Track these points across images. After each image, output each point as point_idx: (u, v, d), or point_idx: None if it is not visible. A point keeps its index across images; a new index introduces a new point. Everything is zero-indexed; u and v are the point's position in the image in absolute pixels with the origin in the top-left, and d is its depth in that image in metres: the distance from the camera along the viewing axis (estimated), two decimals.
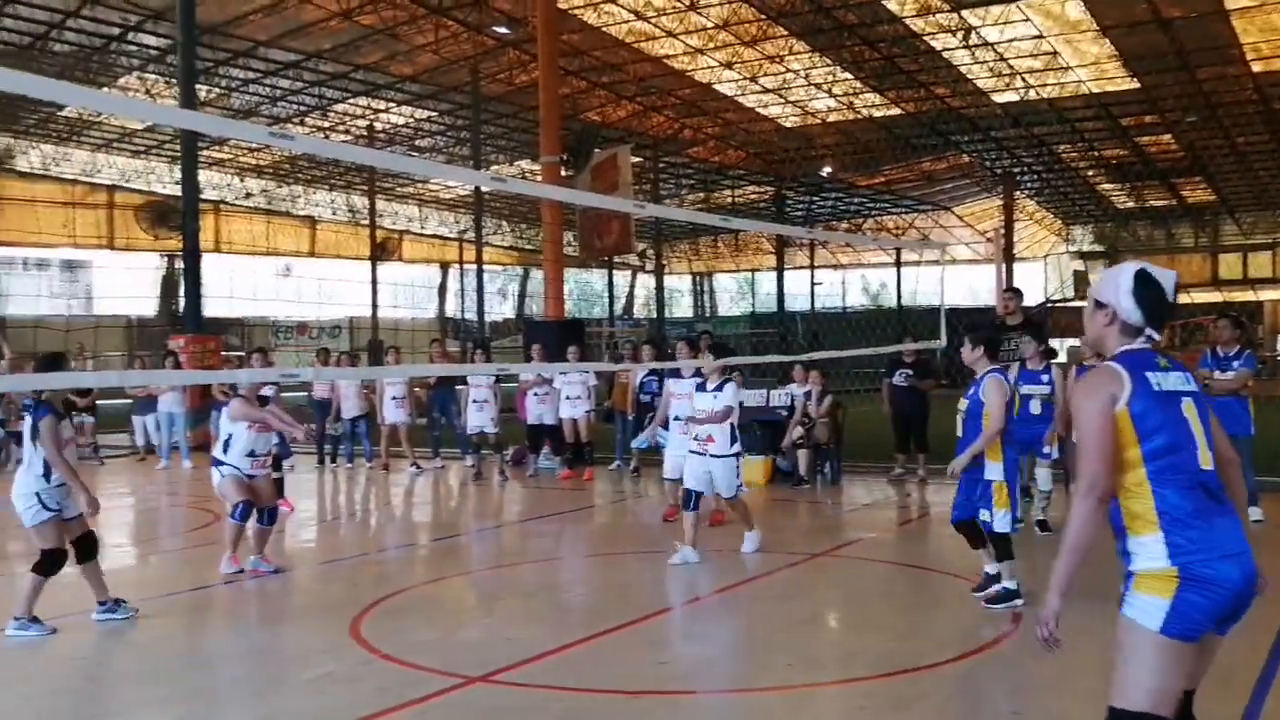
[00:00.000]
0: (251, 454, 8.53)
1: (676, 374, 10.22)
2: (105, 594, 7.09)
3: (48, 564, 6.79)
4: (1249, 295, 48.98)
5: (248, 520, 8.50)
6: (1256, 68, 30.04)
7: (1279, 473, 11.76)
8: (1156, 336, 3.33)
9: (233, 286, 35.31)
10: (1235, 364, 9.95)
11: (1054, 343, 13.91)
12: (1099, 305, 3.38)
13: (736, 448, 8.84)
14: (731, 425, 8.78)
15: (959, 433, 7.30)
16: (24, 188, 37.34)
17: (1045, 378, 9.52)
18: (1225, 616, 3.12)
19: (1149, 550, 3.15)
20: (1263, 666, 5.70)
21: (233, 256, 41.72)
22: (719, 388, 8.87)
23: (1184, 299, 48.20)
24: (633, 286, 60.44)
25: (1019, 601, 6.90)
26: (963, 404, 7.29)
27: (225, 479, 8.50)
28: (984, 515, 7.07)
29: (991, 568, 7.22)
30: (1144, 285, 3.30)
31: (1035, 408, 9.40)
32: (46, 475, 6.72)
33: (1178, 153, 40.48)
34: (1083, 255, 53.58)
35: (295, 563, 9.26)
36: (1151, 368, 3.25)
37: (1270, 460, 11.86)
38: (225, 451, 8.51)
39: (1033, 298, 45.59)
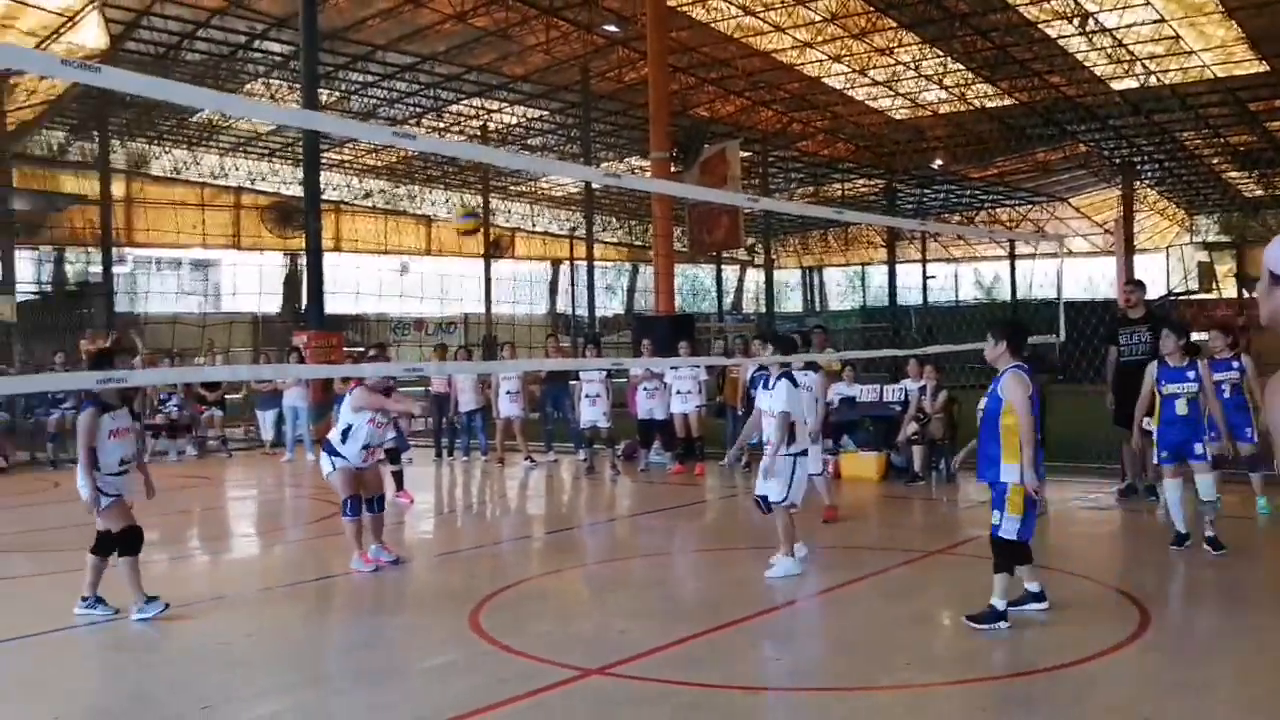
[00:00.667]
0: (366, 446, 8.62)
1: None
2: (93, 591, 7.22)
3: (124, 543, 7.10)
4: None
5: (360, 514, 8.58)
6: None
7: None
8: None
9: (357, 284, 36.26)
10: None
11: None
12: (1276, 279, 2.59)
13: (793, 449, 8.14)
14: (792, 425, 8.14)
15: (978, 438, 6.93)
16: (159, 191, 38.79)
17: (1191, 374, 8.83)
18: None
19: None
20: None
21: (353, 255, 42.73)
22: (775, 384, 8.27)
23: None
24: (741, 281, 60.23)
25: (1004, 625, 6.40)
26: (982, 404, 6.86)
27: (336, 470, 8.56)
28: (994, 518, 6.61)
29: (1033, 585, 6.81)
30: None
31: (1181, 408, 8.71)
32: (96, 465, 7.05)
33: None
34: (1208, 246, 51.65)
35: (414, 554, 9.50)
36: None
37: None
38: (343, 441, 8.57)
39: (1155, 290, 44.25)
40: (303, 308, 26.43)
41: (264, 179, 40.95)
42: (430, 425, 17.90)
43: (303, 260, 26.88)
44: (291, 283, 40.77)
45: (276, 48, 28.78)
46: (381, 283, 39.55)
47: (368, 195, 44.69)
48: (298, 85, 25.04)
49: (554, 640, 6.51)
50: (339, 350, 20.00)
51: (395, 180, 44.60)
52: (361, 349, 23.42)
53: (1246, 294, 48.18)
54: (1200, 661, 5.92)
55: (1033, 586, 6.78)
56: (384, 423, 8.89)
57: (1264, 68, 30.52)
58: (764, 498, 8.13)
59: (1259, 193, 47.98)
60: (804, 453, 8.35)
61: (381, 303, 40.20)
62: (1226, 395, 10.22)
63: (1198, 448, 8.51)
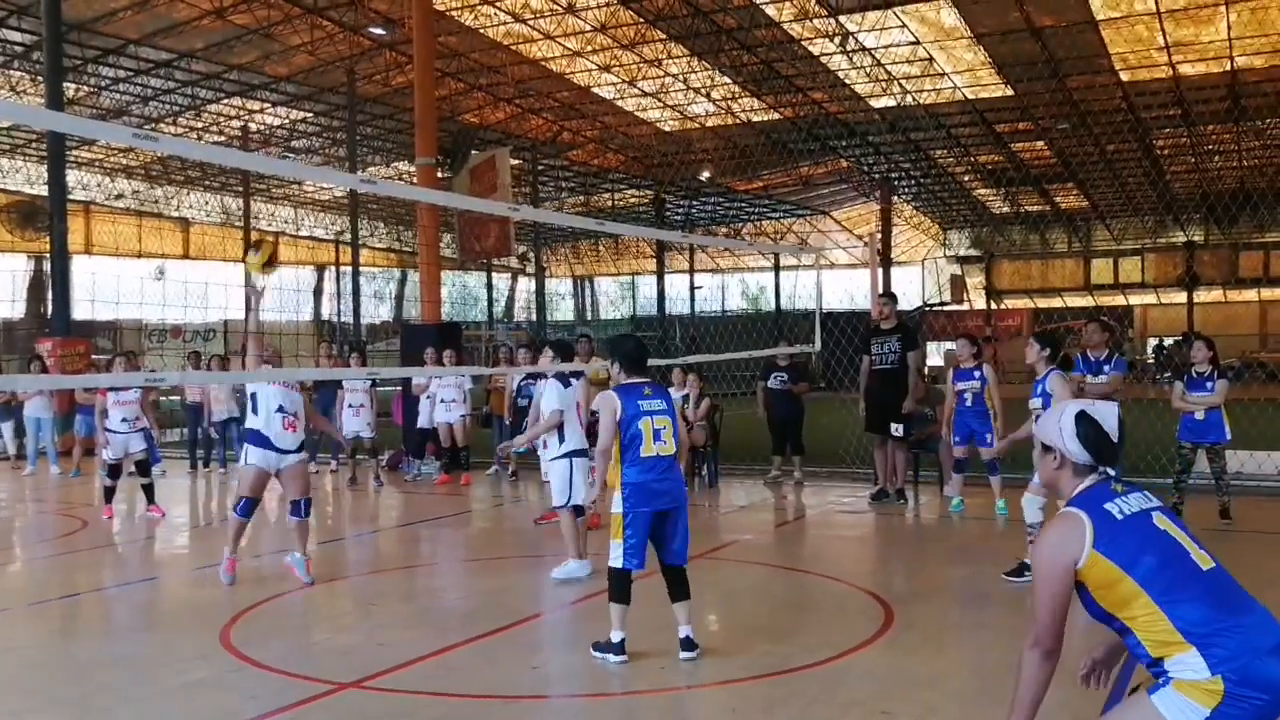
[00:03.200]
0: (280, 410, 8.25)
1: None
2: None
3: None
4: (1119, 299, 50.80)
5: (249, 515, 8.38)
6: (1124, 77, 31.08)
7: (1142, 474, 12.31)
8: (1111, 472, 3.31)
9: (107, 289, 34.12)
10: (1107, 368, 10.28)
11: (928, 346, 14.29)
12: (1046, 449, 3.37)
13: (564, 448, 8.35)
14: (561, 425, 8.37)
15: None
16: None
17: (977, 374, 10.85)
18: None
19: (1184, 668, 2.95)
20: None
21: (104, 258, 40.41)
22: (546, 386, 8.61)
23: (1057, 303, 50.10)
24: (513, 289, 60.15)
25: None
26: (1035, 403, 7.95)
27: (248, 465, 8.24)
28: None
29: None
30: (1086, 425, 3.31)
31: (968, 400, 10.84)
32: None
33: (1050, 159, 41.69)
34: (960, 259, 54.94)
35: (166, 570, 9.05)
36: (1108, 498, 3.19)
37: (1137, 461, 12.39)
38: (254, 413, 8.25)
39: (912, 301, 46.75)
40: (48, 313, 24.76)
41: (4, 176, 38.18)
42: (185, 436, 17.12)
43: (48, 263, 25.15)
44: (37, 287, 38.16)
45: (17, 37, 26.84)
46: (132, 289, 37.38)
47: (120, 196, 42.29)
48: (42, 78, 23.46)
49: (310, 655, 6.33)
50: (86, 358, 18.82)
51: (151, 181, 42.37)
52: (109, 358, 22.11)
53: (995, 305, 51.66)
54: (937, 656, 6.26)
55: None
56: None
57: (1009, 92, 32.75)
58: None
59: (1005, 209, 51.39)
60: (580, 453, 8.39)
61: (136, 309, 38.02)
62: (969, 404, 10.91)
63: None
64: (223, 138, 35.57)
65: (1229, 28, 26.95)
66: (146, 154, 37.36)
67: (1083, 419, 3.31)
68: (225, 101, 33.31)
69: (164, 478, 15.42)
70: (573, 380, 8.64)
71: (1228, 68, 29.96)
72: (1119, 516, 3.12)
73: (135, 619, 7.65)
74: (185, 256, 45.26)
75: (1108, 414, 3.36)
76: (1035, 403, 8.04)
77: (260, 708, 5.32)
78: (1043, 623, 3.17)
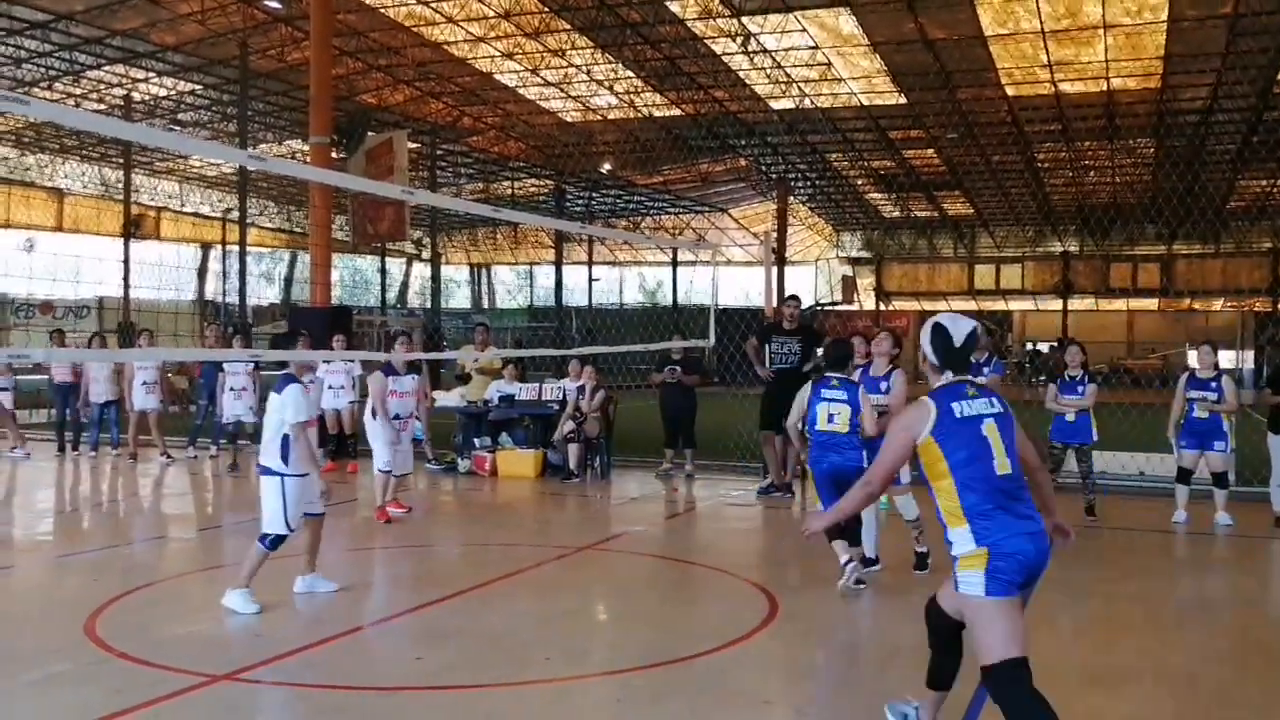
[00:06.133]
0: None
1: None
2: None
3: None
4: (1000, 305, 52.39)
5: None
6: (1010, 91, 31.98)
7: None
8: (970, 377, 4.22)
9: None
10: (985, 370, 10.61)
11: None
12: (922, 352, 4.31)
13: (282, 467, 6.89)
14: (285, 437, 6.90)
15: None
16: None
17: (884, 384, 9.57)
18: (1027, 580, 3.98)
19: (963, 539, 3.97)
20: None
21: None
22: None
23: (942, 306, 51.25)
24: (407, 275, 59.26)
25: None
26: (880, 399, 7.99)
27: None
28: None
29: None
30: (937, 335, 4.24)
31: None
32: None
33: (940, 167, 42.69)
34: (852, 261, 55.88)
35: (27, 558, 8.61)
36: (958, 398, 4.10)
37: None
38: None
39: (805, 300, 47.30)
40: None
41: None
42: (54, 417, 16.42)
43: None
44: None
45: None
46: (8, 262, 35.84)
47: None
48: None
49: (181, 646, 6.05)
50: None
51: (22, 148, 40.58)
52: None
53: (884, 306, 52.66)
54: (819, 647, 6.28)
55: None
56: None
57: (903, 100, 33.38)
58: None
59: (896, 214, 52.45)
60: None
61: (4, 282, 36.42)
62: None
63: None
64: (103, 106, 34.23)
65: (1106, 50, 27.97)
66: (18, 119, 35.73)
67: (936, 329, 4.25)
68: (107, 68, 32.02)
69: (28, 460, 14.80)
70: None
71: (1105, 88, 31.09)
72: (958, 415, 4.06)
73: None
74: (58, 229, 43.43)
75: (962, 327, 4.24)
76: (880, 399, 8.06)
77: (124, 702, 5.06)
78: (879, 473, 4.22)
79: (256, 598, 6.78)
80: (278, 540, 6.90)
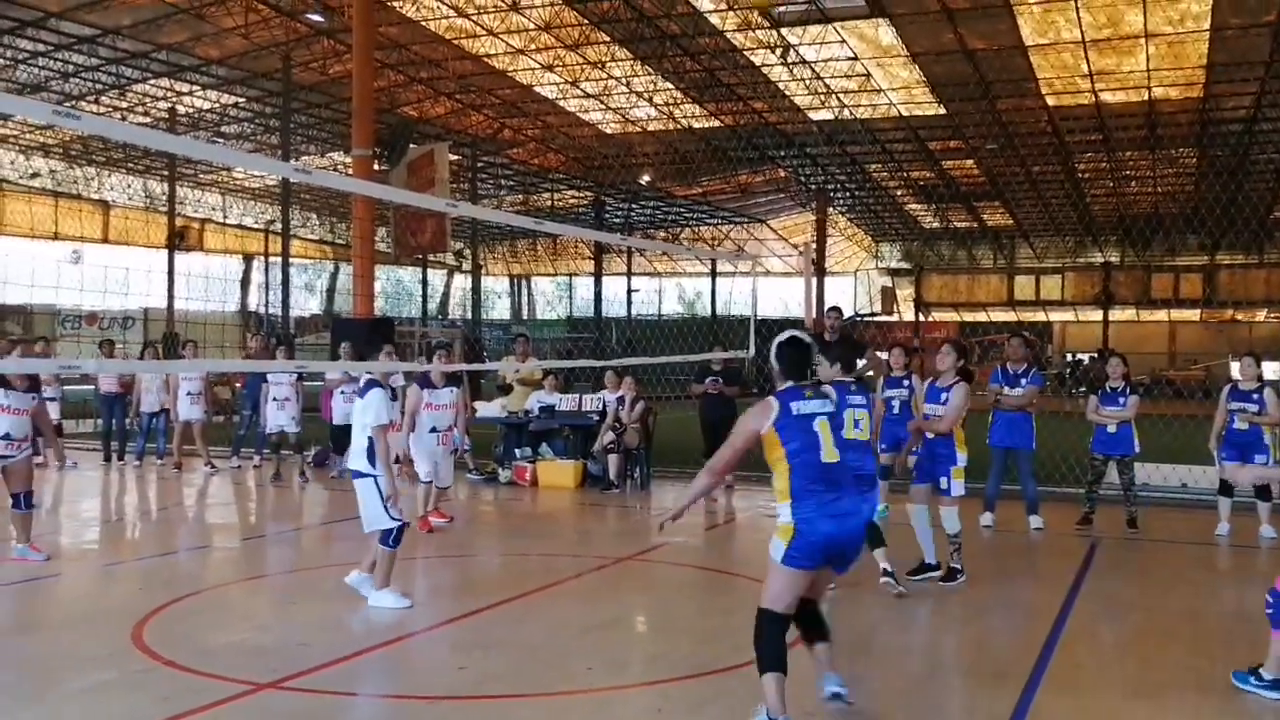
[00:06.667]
0: (6, 436, 8.30)
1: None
2: None
3: None
4: (1040, 316, 51.89)
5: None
6: (1050, 101, 31.80)
7: (1058, 483, 12.51)
8: (808, 382, 5.09)
9: (20, 272, 33.17)
10: (1024, 381, 10.56)
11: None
12: (770, 362, 5.17)
13: (371, 468, 7.22)
14: (370, 440, 7.23)
15: None
16: None
17: (906, 383, 10.48)
18: (833, 558, 4.96)
19: (783, 512, 4.90)
20: (1033, 664, 6.00)
21: (17, 240, 39.20)
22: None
23: (981, 317, 50.90)
24: (448, 286, 59.59)
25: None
26: (936, 409, 8.25)
27: None
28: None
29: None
30: (781, 350, 5.11)
31: (895, 408, 10.47)
32: None
33: (979, 178, 42.49)
34: (891, 272, 55.65)
35: (76, 566, 8.72)
36: (797, 399, 4.96)
37: (1051, 471, 12.62)
38: None
39: (845, 311, 47.08)
40: None
41: None
42: (100, 427, 16.65)
43: None
44: None
45: None
46: (58, 273, 36.39)
47: (35, 175, 41.07)
48: None
49: (227, 655, 6.10)
50: None
51: (70, 161, 41.23)
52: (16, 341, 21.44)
53: (923, 317, 52.39)
54: (859, 658, 6.23)
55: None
56: (19, 409, 8.40)
57: (942, 110, 33.24)
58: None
59: (935, 224, 52.18)
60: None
61: (50, 294, 36.98)
62: (895, 411, 10.94)
63: (942, 481, 8.17)
64: (149, 119, 34.72)
65: (1148, 59, 27.75)
66: (66, 132, 36.35)
67: (783, 344, 5.11)
68: (152, 82, 32.50)
69: (75, 469, 14.98)
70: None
71: (1146, 97, 30.79)
72: (795, 413, 4.92)
73: (42, 616, 7.33)
74: (105, 241, 44.06)
75: (802, 345, 5.13)
76: (937, 409, 8.18)
77: (172, 709, 5.10)
78: (724, 459, 5.07)
79: (402, 591, 7.25)
80: (394, 535, 7.18)
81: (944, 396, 8.21)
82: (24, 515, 8.51)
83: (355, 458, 7.25)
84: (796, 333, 5.17)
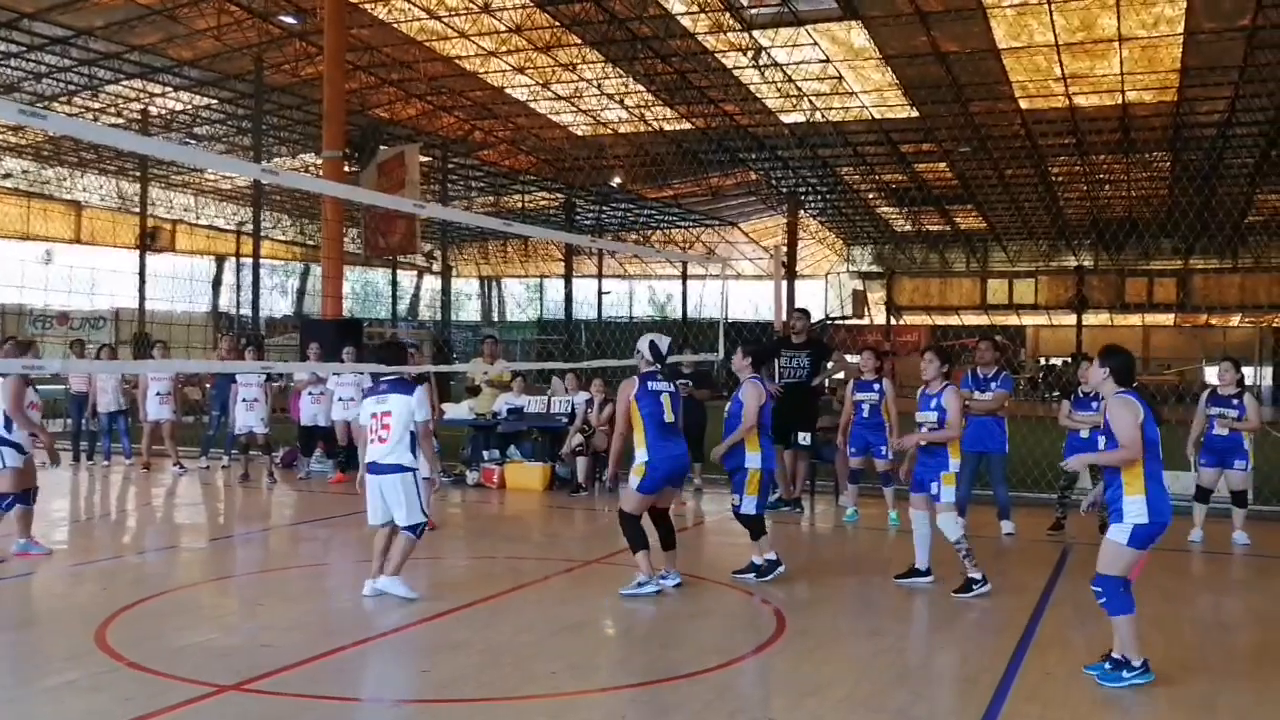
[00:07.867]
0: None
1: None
2: None
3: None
4: (1013, 320, 51.98)
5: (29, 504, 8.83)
6: (1024, 105, 31.95)
7: (1029, 488, 12.61)
8: (660, 367, 7.89)
9: None
10: (993, 385, 10.54)
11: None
12: (639, 353, 7.96)
13: (413, 462, 7.50)
14: (411, 434, 7.47)
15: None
16: None
17: (876, 386, 11.15)
18: (670, 480, 7.83)
19: (639, 456, 7.65)
20: (1003, 671, 6.09)
21: None
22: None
23: (954, 320, 51.09)
24: (418, 288, 59.39)
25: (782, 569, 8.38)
26: (930, 416, 8.07)
27: (6, 469, 8.66)
28: (734, 499, 8.45)
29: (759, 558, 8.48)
30: (653, 346, 7.90)
31: (865, 412, 11.19)
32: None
33: (952, 181, 42.58)
34: (862, 275, 55.73)
35: (43, 565, 8.70)
36: (654, 380, 7.82)
37: (1023, 476, 12.71)
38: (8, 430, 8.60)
39: (816, 314, 47.25)
40: None
41: None
42: (70, 427, 16.57)
43: None
44: None
45: None
46: (22, 273, 36.06)
47: (7, 176, 40.73)
48: None
49: (191, 656, 6.11)
50: None
51: (41, 162, 40.89)
52: None
53: (895, 321, 52.62)
54: (825, 664, 6.29)
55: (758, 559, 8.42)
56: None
57: (914, 113, 33.38)
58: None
59: (907, 228, 52.36)
60: None
61: (22, 294, 36.69)
62: (865, 415, 11.08)
63: (933, 487, 8.04)
64: (121, 120, 34.50)
65: (1121, 63, 27.94)
66: (37, 133, 36.06)
67: (652, 343, 7.89)
68: (124, 83, 32.30)
69: (44, 469, 14.86)
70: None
71: (1119, 101, 31.02)
72: (650, 388, 7.72)
73: (4, 616, 7.30)
74: (76, 241, 43.73)
75: (663, 343, 8.00)
76: (929, 416, 8.03)
77: (134, 710, 5.12)
78: (623, 427, 7.84)
79: (411, 586, 7.55)
80: (421, 528, 7.56)
81: (934, 403, 8.03)
82: (25, 511, 8.80)
83: (392, 453, 7.39)
84: (656, 335, 8.07)
